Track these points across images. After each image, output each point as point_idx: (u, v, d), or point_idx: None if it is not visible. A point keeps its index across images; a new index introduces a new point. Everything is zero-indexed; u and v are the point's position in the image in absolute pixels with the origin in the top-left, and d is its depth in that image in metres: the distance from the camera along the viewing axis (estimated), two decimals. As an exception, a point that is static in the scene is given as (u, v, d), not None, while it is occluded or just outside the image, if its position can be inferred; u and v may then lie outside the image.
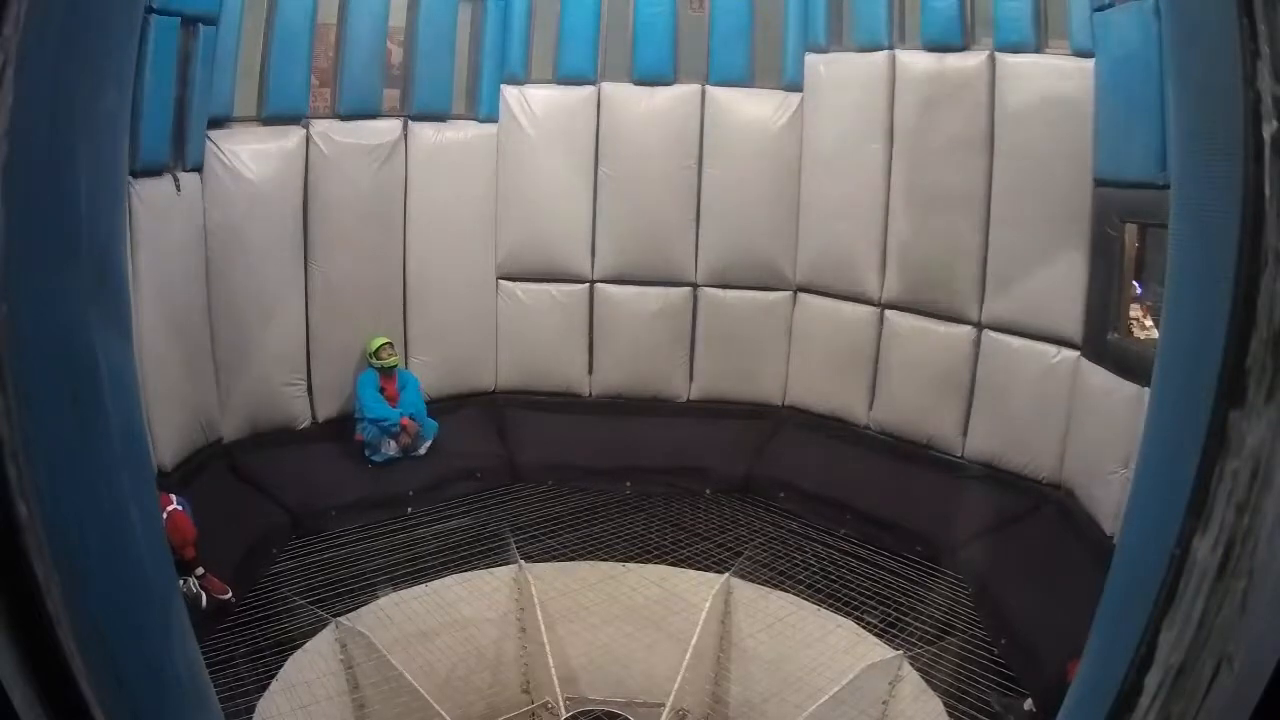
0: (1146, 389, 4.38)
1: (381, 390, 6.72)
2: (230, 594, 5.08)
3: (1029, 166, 5.92)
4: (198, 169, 5.97)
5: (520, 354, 7.58)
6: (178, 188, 5.69)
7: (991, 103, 6.10)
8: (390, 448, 6.65)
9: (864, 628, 5.18)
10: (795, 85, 7.18)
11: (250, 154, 6.23)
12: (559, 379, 7.60)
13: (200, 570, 4.97)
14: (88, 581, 0.97)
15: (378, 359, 6.75)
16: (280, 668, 4.63)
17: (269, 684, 4.49)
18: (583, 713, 5.35)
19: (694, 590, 5.58)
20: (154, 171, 5.50)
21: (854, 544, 6.06)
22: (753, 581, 5.61)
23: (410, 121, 6.98)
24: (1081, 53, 5.59)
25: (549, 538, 6.07)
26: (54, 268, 1.00)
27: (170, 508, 4.87)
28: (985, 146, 6.15)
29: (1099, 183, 5.52)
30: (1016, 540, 5.69)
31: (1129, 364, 5.15)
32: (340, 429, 6.78)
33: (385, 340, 6.83)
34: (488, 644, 5.53)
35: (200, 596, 4.91)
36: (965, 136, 6.22)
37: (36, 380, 0.90)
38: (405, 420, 6.68)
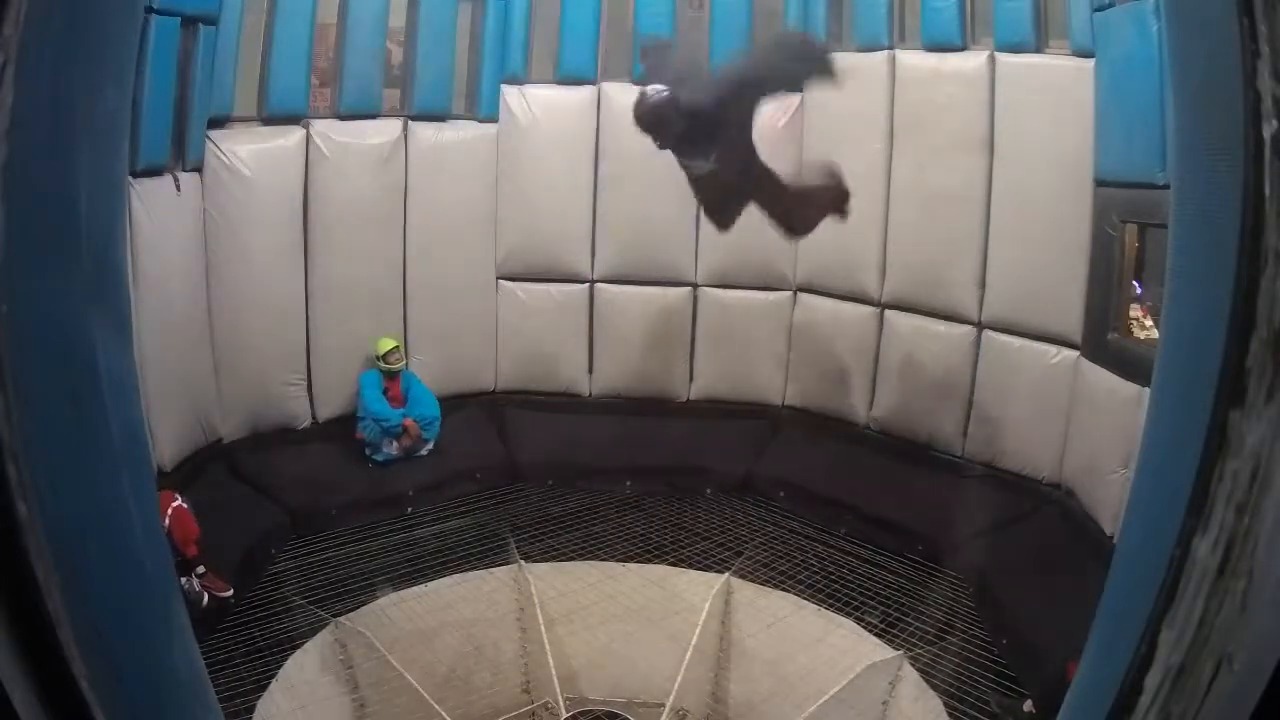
0: (1146, 389, 4.37)
1: (385, 391, 6.72)
2: (231, 592, 5.08)
3: (1028, 166, 5.92)
4: (198, 169, 5.97)
5: (520, 354, 7.58)
6: (178, 188, 5.69)
7: (991, 103, 6.10)
8: (392, 448, 6.65)
9: (864, 628, 5.18)
10: (795, 85, 7.18)
11: (250, 154, 6.21)
12: (559, 379, 7.60)
13: (201, 569, 4.98)
14: (88, 581, 0.96)
15: (385, 363, 6.74)
16: (280, 668, 4.63)
17: (269, 684, 4.49)
18: (583, 713, 5.35)
19: (694, 590, 5.58)
20: (154, 171, 5.49)
21: (854, 544, 6.05)
22: (753, 581, 5.60)
23: (410, 121, 6.96)
24: (1081, 53, 5.58)
25: (549, 538, 6.07)
26: (54, 268, 1.00)
27: (174, 504, 4.88)
28: (985, 146, 6.14)
29: (1099, 183, 5.51)
30: (1016, 540, 5.68)
31: (1129, 364, 5.14)
32: (341, 429, 6.78)
33: (395, 345, 6.79)
34: (488, 644, 5.53)
35: (201, 595, 4.92)
36: (965, 136, 6.21)
37: (36, 380, 0.90)
38: (408, 421, 6.68)
